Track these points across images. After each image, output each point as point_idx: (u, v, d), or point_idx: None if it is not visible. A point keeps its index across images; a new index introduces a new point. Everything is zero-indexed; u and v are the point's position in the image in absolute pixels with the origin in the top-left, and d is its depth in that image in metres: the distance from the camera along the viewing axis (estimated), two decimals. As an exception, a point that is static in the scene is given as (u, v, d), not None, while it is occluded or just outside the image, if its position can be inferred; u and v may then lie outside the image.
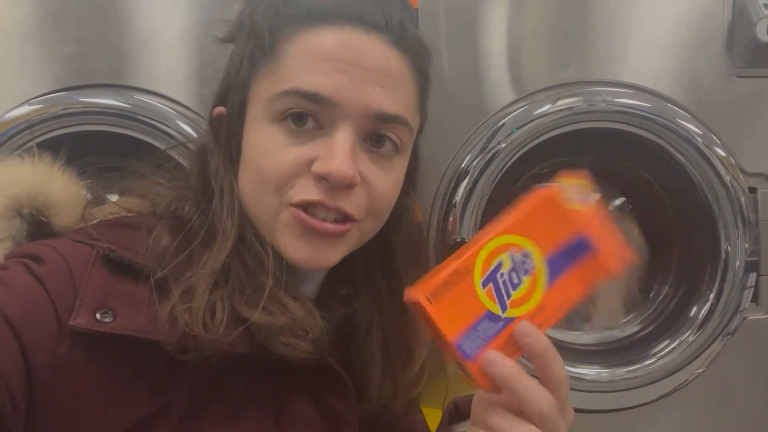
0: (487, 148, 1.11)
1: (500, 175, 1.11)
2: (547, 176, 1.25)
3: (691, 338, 1.14)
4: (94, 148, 1.10)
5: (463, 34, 1.02)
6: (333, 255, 0.67)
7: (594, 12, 1.16)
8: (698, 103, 1.15)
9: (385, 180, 0.68)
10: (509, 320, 0.59)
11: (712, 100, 1.16)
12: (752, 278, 1.15)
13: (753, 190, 1.15)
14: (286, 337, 0.64)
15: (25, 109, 1.09)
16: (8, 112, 1.09)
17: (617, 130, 1.13)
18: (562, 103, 1.13)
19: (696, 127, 1.13)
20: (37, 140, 1.06)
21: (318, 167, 0.63)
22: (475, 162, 1.11)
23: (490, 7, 1.14)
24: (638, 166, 1.20)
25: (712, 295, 1.14)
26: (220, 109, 0.72)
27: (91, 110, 1.09)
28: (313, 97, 0.64)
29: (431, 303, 0.58)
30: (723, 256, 1.14)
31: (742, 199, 1.13)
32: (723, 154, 1.14)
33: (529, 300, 0.59)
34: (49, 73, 1.11)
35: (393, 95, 0.66)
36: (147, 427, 0.61)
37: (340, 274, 0.76)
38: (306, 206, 0.65)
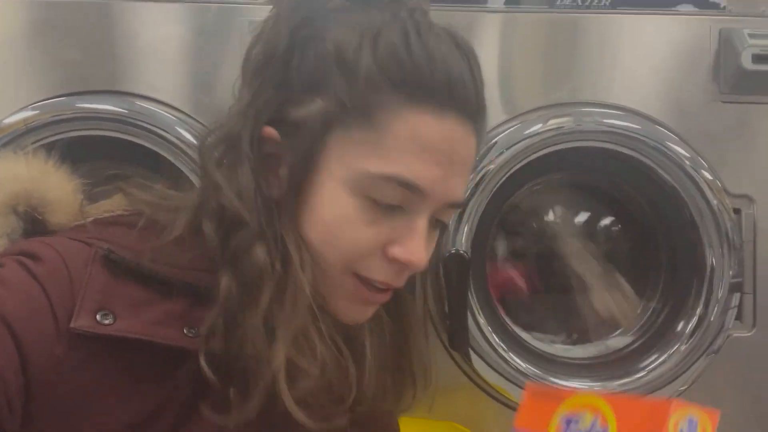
0: (479, 167, 1.13)
1: (493, 191, 1.13)
2: (539, 193, 1.27)
3: (678, 351, 1.16)
4: (94, 154, 1.10)
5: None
6: (371, 312, 0.69)
7: (585, 36, 1.20)
8: (685, 127, 1.18)
9: (429, 253, 0.68)
10: None
11: (698, 124, 1.19)
12: (736, 299, 1.18)
13: (737, 211, 1.18)
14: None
15: (23, 115, 1.09)
16: (6, 117, 1.09)
17: (606, 149, 1.16)
18: (553, 122, 1.15)
19: (683, 149, 1.16)
20: (36, 144, 1.07)
21: (399, 254, 0.63)
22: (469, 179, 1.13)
23: (482, 31, 1.18)
24: (627, 185, 1.23)
25: (698, 310, 1.17)
26: (273, 132, 0.64)
27: (88, 116, 1.10)
28: (413, 189, 0.62)
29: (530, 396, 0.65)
30: (708, 276, 1.17)
31: (728, 224, 1.16)
32: (709, 177, 1.17)
33: None
34: (48, 80, 1.12)
35: (467, 182, 0.67)
36: (143, 427, 0.61)
37: None
38: (373, 283, 0.65)
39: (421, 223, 0.64)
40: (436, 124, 0.62)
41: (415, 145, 0.61)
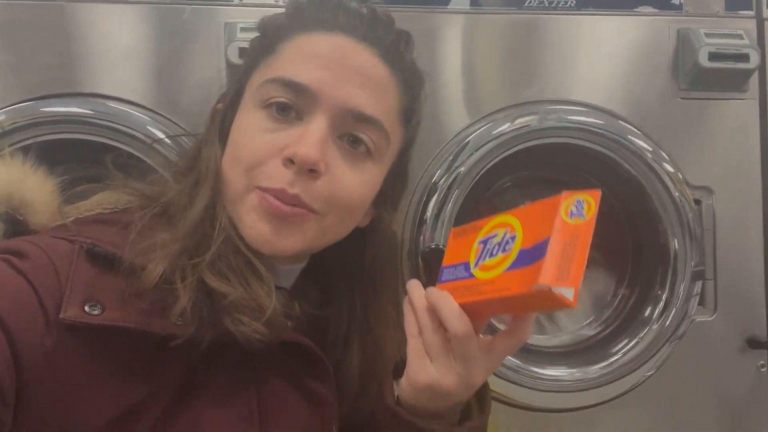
0: (452, 168, 1.16)
1: (468, 190, 1.17)
2: (511, 189, 1.31)
3: (647, 336, 1.20)
4: (63, 158, 1.08)
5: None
6: (291, 240, 0.69)
7: (546, 36, 1.23)
8: (645, 122, 1.23)
9: (351, 177, 0.70)
10: (471, 276, 0.66)
11: (658, 120, 1.24)
12: (698, 286, 1.23)
13: (698, 202, 1.24)
14: (240, 314, 0.64)
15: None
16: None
17: (571, 144, 1.20)
18: (520, 121, 1.19)
19: (645, 143, 1.21)
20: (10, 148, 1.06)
21: (287, 150, 0.67)
22: (442, 180, 1.16)
23: (446, 32, 1.21)
24: (592, 178, 1.27)
25: (664, 296, 1.21)
26: (220, 104, 0.78)
27: (56, 119, 1.09)
28: (295, 87, 0.68)
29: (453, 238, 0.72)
30: (672, 264, 1.21)
31: (689, 214, 1.21)
32: (671, 169, 1.22)
33: (489, 272, 0.64)
34: (9, 86, 1.10)
35: (372, 98, 0.70)
36: (134, 414, 0.62)
37: (313, 277, 0.79)
38: (272, 194, 0.68)
39: (314, 125, 0.68)
40: (324, 38, 0.71)
41: (300, 54, 0.71)
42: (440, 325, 0.65)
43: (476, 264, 0.66)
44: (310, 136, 0.67)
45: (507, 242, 0.63)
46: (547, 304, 0.59)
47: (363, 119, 0.70)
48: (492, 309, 0.68)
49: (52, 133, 1.09)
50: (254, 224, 0.68)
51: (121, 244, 0.65)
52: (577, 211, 0.59)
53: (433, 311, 0.65)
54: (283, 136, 0.68)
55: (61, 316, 0.59)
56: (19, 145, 1.06)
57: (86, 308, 0.60)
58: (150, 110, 1.13)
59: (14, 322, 0.57)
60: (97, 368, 0.61)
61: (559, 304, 0.56)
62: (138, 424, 0.62)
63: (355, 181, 0.71)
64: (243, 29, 1.12)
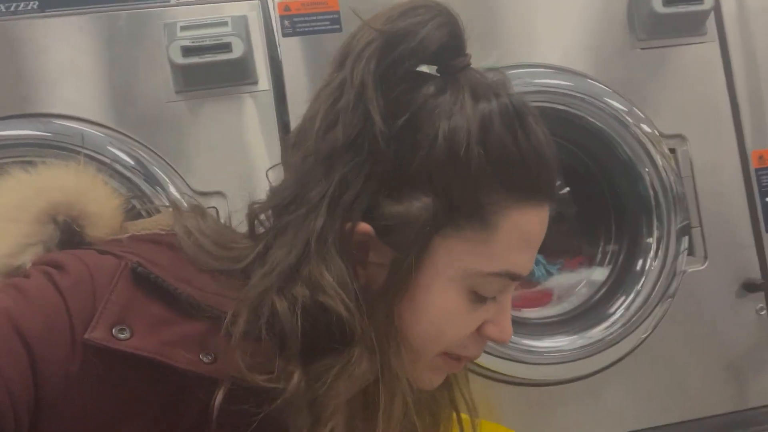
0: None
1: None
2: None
3: (643, 289, 1.17)
4: None
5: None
6: None
7: (500, 1, 1.21)
8: (609, 77, 1.21)
9: None
10: None
11: (621, 73, 1.22)
12: (686, 242, 1.20)
13: (672, 150, 1.22)
14: None
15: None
16: None
17: (540, 108, 1.16)
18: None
19: (619, 103, 1.19)
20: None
21: (494, 333, 0.65)
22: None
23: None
24: (566, 142, 1.24)
25: (653, 243, 1.19)
26: (368, 227, 0.60)
27: (5, 143, 1.04)
28: (517, 279, 0.64)
29: None
30: (655, 211, 1.19)
31: (671, 177, 1.18)
32: (648, 129, 1.19)
33: None
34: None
35: None
36: None
37: None
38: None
39: (508, 301, 0.66)
40: (537, 216, 0.62)
41: (522, 240, 0.62)
42: None
43: None
44: (509, 316, 0.66)
45: None
46: None
47: None
48: None
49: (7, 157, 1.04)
50: (430, 380, 0.67)
51: (166, 265, 0.61)
52: None
53: None
54: (483, 312, 0.64)
55: (85, 336, 0.55)
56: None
57: (114, 331, 0.56)
58: (100, 125, 1.09)
59: (42, 346, 0.54)
60: (117, 398, 0.57)
61: None
62: None
63: None
64: (183, 28, 1.09)
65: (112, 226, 0.67)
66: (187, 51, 1.07)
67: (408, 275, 0.60)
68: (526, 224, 0.61)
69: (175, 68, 1.08)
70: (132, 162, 1.07)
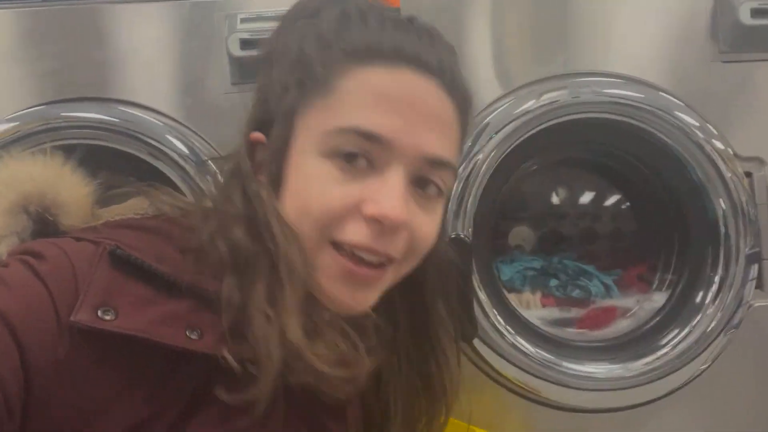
0: (470, 155, 1.09)
1: (488, 176, 1.09)
2: (540, 172, 1.23)
3: (699, 324, 1.11)
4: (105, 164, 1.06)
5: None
6: (371, 299, 0.67)
7: (575, 4, 1.16)
8: (686, 91, 1.13)
9: (429, 223, 0.68)
10: None
11: (699, 87, 1.14)
12: (755, 270, 1.12)
13: (748, 174, 1.13)
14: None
15: (4, 126, 1.06)
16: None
17: (606, 119, 1.11)
18: (547, 97, 1.11)
19: (689, 116, 1.11)
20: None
21: (372, 209, 0.63)
22: (460, 170, 1.08)
23: (470, 6, 1.14)
24: (630, 156, 1.19)
25: (716, 278, 1.11)
26: (259, 135, 0.70)
27: (74, 124, 1.07)
28: (372, 138, 0.63)
29: None
30: (723, 243, 1.12)
31: (740, 193, 1.11)
32: (720, 146, 1.12)
33: None
34: (29, 90, 1.09)
35: (444, 140, 0.67)
36: (143, 428, 0.60)
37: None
38: (352, 249, 0.64)
39: (394, 177, 0.64)
40: (389, 75, 0.65)
41: (369, 96, 0.65)
42: None
43: None
44: (392, 192, 0.64)
45: None
46: None
47: (438, 164, 0.67)
48: None
49: (71, 139, 1.07)
50: (331, 286, 0.66)
51: (145, 248, 0.63)
52: None
53: None
54: (358, 188, 0.64)
55: (71, 318, 0.57)
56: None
57: (99, 313, 0.58)
58: (160, 113, 1.10)
59: (27, 331, 0.56)
60: (108, 380, 0.59)
61: None
62: None
63: (431, 226, 0.69)
64: (243, 20, 1.09)
65: (84, 214, 0.69)
66: (244, 44, 1.06)
67: (282, 163, 0.67)
68: (372, 79, 0.65)
69: (233, 60, 1.08)
70: (187, 151, 1.08)
